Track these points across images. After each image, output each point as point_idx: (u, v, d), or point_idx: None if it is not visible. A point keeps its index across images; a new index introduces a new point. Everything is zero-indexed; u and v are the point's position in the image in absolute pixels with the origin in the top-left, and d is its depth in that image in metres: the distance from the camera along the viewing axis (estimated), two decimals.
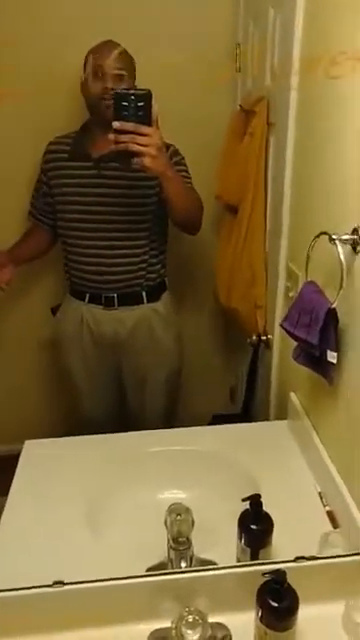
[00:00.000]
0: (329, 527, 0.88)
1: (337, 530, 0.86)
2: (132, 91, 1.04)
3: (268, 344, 1.28)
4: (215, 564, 0.81)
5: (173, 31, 1.47)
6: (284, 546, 0.81)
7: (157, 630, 0.73)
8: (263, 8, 1.19)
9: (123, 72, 1.25)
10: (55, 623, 0.75)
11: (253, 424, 1.29)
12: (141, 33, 1.41)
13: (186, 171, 1.37)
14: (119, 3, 1.45)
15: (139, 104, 1.02)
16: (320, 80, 0.90)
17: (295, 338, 0.89)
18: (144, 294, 1.42)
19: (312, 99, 0.96)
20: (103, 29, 1.32)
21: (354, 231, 0.78)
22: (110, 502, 0.97)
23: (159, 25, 1.46)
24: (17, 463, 1.04)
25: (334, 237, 0.78)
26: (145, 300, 1.42)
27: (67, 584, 0.73)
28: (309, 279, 0.90)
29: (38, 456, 1.06)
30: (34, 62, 1.45)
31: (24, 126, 1.53)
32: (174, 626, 0.66)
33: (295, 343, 0.93)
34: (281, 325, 0.92)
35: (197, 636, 0.65)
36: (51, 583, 0.73)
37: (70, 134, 1.38)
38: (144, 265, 1.39)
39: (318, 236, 0.84)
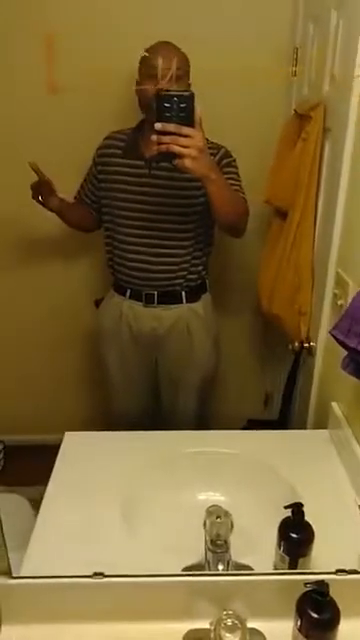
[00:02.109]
0: None
1: None
2: (175, 92, 1.05)
3: (311, 351, 1.27)
4: (252, 569, 0.81)
5: (230, 33, 1.47)
6: (323, 558, 0.80)
7: (192, 630, 0.73)
8: (325, 10, 1.18)
9: (178, 73, 1.25)
10: (91, 614, 0.75)
11: (293, 431, 1.28)
12: (198, 34, 1.42)
13: (236, 173, 1.36)
14: (178, 3, 1.46)
15: (181, 105, 1.03)
16: None
17: (345, 347, 0.88)
18: (184, 294, 1.42)
19: None
20: (160, 29, 1.33)
21: None
22: (147, 499, 0.97)
23: (216, 26, 1.47)
24: (54, 453, 1.06)
25: None
26: (184, 300, 1.43)
27: (107, 576, 0.74)
28: None
29: (78, 448, 1.08)
30: (91, 57, 1.47)
31: (76, 121, 1.56)
32: (213, 628, 0.66)
33: (344, 352, 0.91)
34: (331, 333, 0.90)
35: None
36: (91, 574, 0.74)
37: (125, 130, 1.40)
38: (186, 265, 1.40)
39: None
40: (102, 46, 1.47)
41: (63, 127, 1.58)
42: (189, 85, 1.29)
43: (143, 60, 1.28)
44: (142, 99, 1.29)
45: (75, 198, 1.53)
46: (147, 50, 1.28)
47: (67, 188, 1.62)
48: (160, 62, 1.24)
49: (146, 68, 1.26)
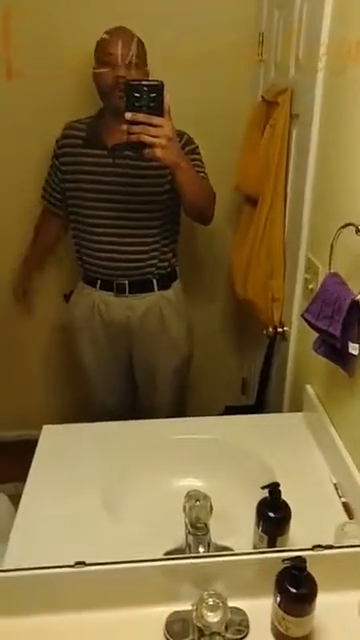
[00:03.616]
0: (345, 518, 0.89)
1: (353, 521, 0.87)
2: (144, 82, 1.04)
3: (284, 336, 1.29)
4: (232, 550, 0.82)
5: (195, 20, 1.45)
6: (300, 535, 0.82)
7: (175, 612, 0.74)
8: None
9: (136, 60, 1.23)
10: (75, 603, 0.76)
11: (269, 415, 1.30)
12: (161, 21, 1.41)
13: (200, 160, 1.36)
14: None
15: (151, 95, 1.03)
16: (348, 70, 0.90)
17: (317, 329, 0.90)
18: (155, 282, 1.43)
19: (338, 89, 0.96)
20: (121, 14, 1.31)
21: None
22: (127, 488, 0.98)
23: (180, 13, 1.45)
24: (32, 448, 1.05)
25: None
26: (156, 288, 1.43)
27: (89, 565, 0.74)
28: (332, 270, 0.90)
29: (56, 441, 1.07)
30: (47, 41, 1.44)
31: (32, 109, 1.53)
32: (195, 608, 0.67)
33: (315, 335, 0.93)
34: (303, 316, 0.92)
35: (217, 618, 0.66)
36: (72, 563, 0.74)
37: (84, 120, 1.38)
38: (156, 253, 1.40)
39: (344, 227, 0.83)
40: (59, 30, 1.43)
41: (18, 115, 1.54)
42: (147, 72, 1.27)
43: (100, 46, 1.26)
44: (100, 86, 1.27)
45: (42, 197, 1.51)
46: (103, 37, 1.25)
47: (24, 177, 1.59)
48: (118, 48, 1.22)
49: (103, 54, 1.24)
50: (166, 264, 1.43)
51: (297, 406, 1.18)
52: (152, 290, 1.43)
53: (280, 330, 1.30)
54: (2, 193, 1.63)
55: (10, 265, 1.68)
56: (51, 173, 1.46)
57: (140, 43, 1.25)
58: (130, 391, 1.58)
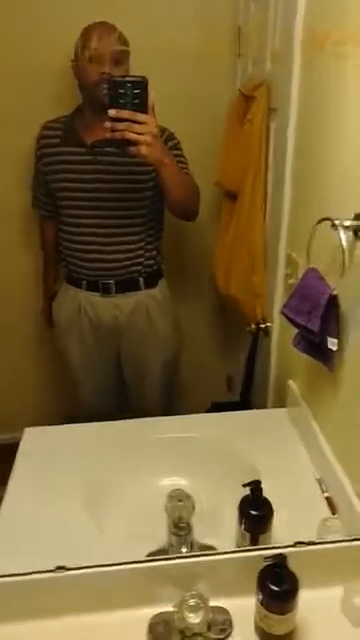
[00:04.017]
0: (328, 513, 0.89)
1: (336, 516, 0.87)
2: (128, 78, 1.03)
3: (267, 332, 1.28)
4: (215, 550, 0.82)
5: (172, 14, 1.44)
6: (283, 532, 0.82)
7: (158, 614, 0.74)
8: None
9: (120, 56, 1.22)
10: (57, 608, 0.75)
11: (252, 411, 1.29)
12: (139, 15, 1.39)
13: (182, 156, 1.35)
14: None
15: (135, 91, 1.01)
16: (322, 63, 0.89)
17: (296, 325, 0.89)
18: (141, 280, 1.41)
19: (314, 83, 0.95)
20: (98, 9, 1.29)
21: (356, 217, 0.77)
22: (110, 489, 0.97)
23: (158, 8, 1.44)
24: (12, 453, 1.04)
25: (336, 223, 0.77)
26: (142, 286, 1.42)
27: (69, 569, 0.73)
28: (311, 265, 0.89)
29: (38, 444, 1.06)
30: (21, 41, 1.42)
31: (8, 108, 1.51)
32: (176, 610, 0.67)
33: (295, 330, 0.93)
34: (282, 312, 0.92)
35: (199, 619, 0.66)
36: (53, 568, 0.73)
37: (61, 118, 1.36)
38: (141, 252, 1.39)
39: (320, 222, 0.83)
40: (32, 28, 1.41)
41: None
42: (128, 68, 1.26)
43: (83, 41, 1.23)
44: (84, 82, 1.25)
45: (33, 204, 1.50)
46: (85, 32, 1.23)
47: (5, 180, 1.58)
48: (104, 44, 1.20)
49: (87, 49, 1.22)
50: (152, 262, 1.42)
51: (281, 402, 1.18)
52: (139, 289, 1.42)
53: (262, 326, 1.29)
54: None
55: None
56: (35, 176, 1.45)
57: (123, 38, 1.24)
58: (119, 390, 1.57)
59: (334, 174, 0.88)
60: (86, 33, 1.23)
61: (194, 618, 0.66)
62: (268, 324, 1.28)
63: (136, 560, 0.76)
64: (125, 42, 1.25)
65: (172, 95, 1.44)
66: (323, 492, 0.92)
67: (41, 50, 1.41)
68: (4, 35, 1.41)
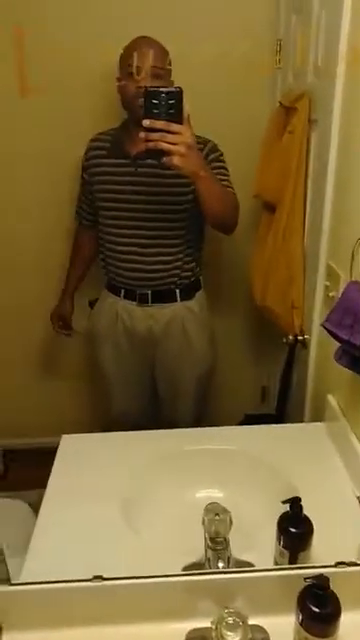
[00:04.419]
0: None
1: None
2: (163, 89, 1.03)
3: (305, 344, 1.26)
4: (252, 566, 0.81)
5: (213, 27, 1.46)
6: (322, 551, 0.80)
7: (195, 630, 0.73)
8: (307, 2, 1.17)
9: (160, 71, 1.23)
10: (93, 617, 0.75)
11: (289, 425, 1.28)
12: (180, 29, 1.41)
13: (224, 168, 1.35)
14: None
15: (170, 102, 1.01)
16: None
17: (337, 339, 0.88)
18: (178, 292, 1.42)
19: (358, 94, 0.94)
20: (141, 24, 1.31)
21: None
22: (146, 499, 0.97)
23: (198, 21, 1.46)
24: (52, 457, 1.05)
25: None
26: (179, 298, 1.42)
27: (106, 579, 0.74)
28: (353, 279, 0.88)
29: (75, 450, 1.07)
30: (67, 55, 1.45)
31: (59, 123, 1.56)
32: (214, 627, 0.66)
33: (336, 344, 0.91)
34: (323, 325, 0.90)
35: (237, 638, 0.65)
36: (90, 577, 0.74)
37: (109, 131, 1.39)
38: (179, 263, 1.39)
39: None
40: (79, 43, 1.44)
41: (40, 130, 1.57)
42: (171, 82, 1.27)
43: (124, 57, 1.26)
44: (124, 97, 1.28)
45: (76, 213, 1.54)
46: (127, 47, 1.26)
47: (52, 189, 1.62)
48: (141, 59, 1.21)
49: (127, 65, 1.24)
50: (189, 274, 1.42)
51: (318, 416, 1.16)
52: (175, 300, 1.42)
53: (300, 338, 1.28)
54: (33, 212, 1.67)
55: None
56: (81, 190, 1.48)
57: (165, 53, 1.25)
58: (151, 400, 1.58)
59: None
60: (127, 49, 1.26)
61: (233, 637, 0.65)
62: (306, 336, 1.26)
63: (173, 574, 0.76)
64: (165, 56, 1.26)
65: (212, 107, 1.46)
66: None
67: (89, 65, 1.45)
68: (57, 50, 1.45)
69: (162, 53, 1.25)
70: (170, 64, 1.27)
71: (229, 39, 1.45)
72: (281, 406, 1.42)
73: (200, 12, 1.46)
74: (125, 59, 1.25)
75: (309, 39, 1.17)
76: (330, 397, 1.10)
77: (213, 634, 0.65)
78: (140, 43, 1.25)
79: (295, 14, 1.30)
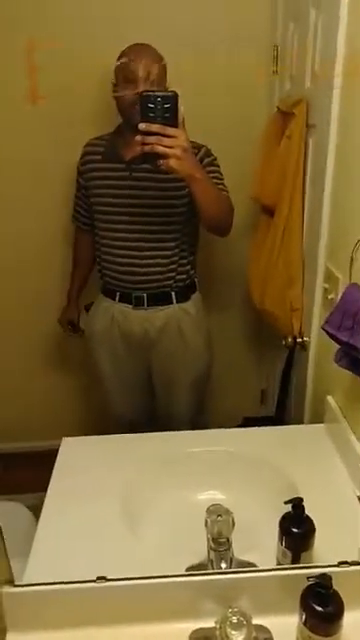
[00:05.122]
0: None
1: None
2: (158, 93, 1.05)
3: (304, 346, 1.27)
4: (255, 566, 0.81)
5: (211, 33, 1.47)
6: (324, 550, 0.80)
7: (198, 629, 0.73)
8: (304, 9, 1.19)
9: (155, 77, 1.24)
10: (96, 618, 0.76)
11: (289, 427, 1.28)
12: (178, 35, 1.42)
13: (218, 172, 1.36)
14: (155, 4, 1.46)
15: (165, 106, 1.03)
16: None
17: (337, 341, 0.89)
18: (173, 294, 1.42)
19: (355, 99, 0.95)
20: (137, 30, 1.33)
21: None
22: (147, 501, 0.97)
23: (196, 27, 1.47)
24: (52, 459, 1.05)
25: None
26: (174, 300, 1.43)
27: (110, 580, 0.74)
28: (352, 281, 0.89)
29: (75, 453, 1.08)
30: (65, 64, 1.46)
31: (55, 128, 1.56)
32: (219, 626, 0.66)
33: (336, 346, 0.92)
34: (323, 328, 0.91)
35: (242, 637, 0.65)
36: (94, 578, 0.74)
37: (104, 136, 1.40)
38: (174, 266, 1.40)
39: None
40: (79, 51, 1.45)
41: (37, 134, 1.58)
42: (166, 86, 1.28)
43: (119, 64, 1.26)
44: (120, 103, 1.28)
45: (73, 217, 1.54)
46: (123, 52, 1.27)
47: (52, 191, 1.63)
48: (137, 66, 1.22)
49: (123, 72, 1.25)
50: (184, 276, 1.43)
51: (318, 417, 1.17)
52: (170, 303, 1.43)
53: (300, 340, 1.28)
54: (31, 217, 1.68)
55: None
56: (77, 194, 1.49)
57: (160, 60, 1.25)
58: (148, 403, 1.58)
59: None
60: (122, 55, 1.26)
61: (237, 636, 0.65)
62: (305, 338, 1.27)
63: (177, 574, 0.76)
64: (160, 62, 1.25)
65: (209, 110, 1.48)
66: None
67: (84, 72, 1.46)
68: (54, 55, 1.46)
69: (156, 59, 1.25)
70: (165, 68, 1.28)
71: (227, 45, 1.47)
72: (280, 408, 1.43)
73: (198, 19, 1.47)
74: (120, 66, 1.26)
75: (306, 46, 1.18)
76: (330, 398, 1.11)
77: (217, 633, 0.66)
78: (135, 50, 1.25)
79: (292, 21, 1.32)
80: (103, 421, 1.63)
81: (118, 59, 1.27)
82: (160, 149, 1.05)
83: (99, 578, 0.74)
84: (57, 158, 1.57)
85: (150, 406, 1.58)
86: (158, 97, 1.03)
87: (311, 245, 1.21)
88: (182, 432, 1.18)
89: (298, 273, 1.28)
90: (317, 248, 1.15)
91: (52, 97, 1.51)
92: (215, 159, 1.36)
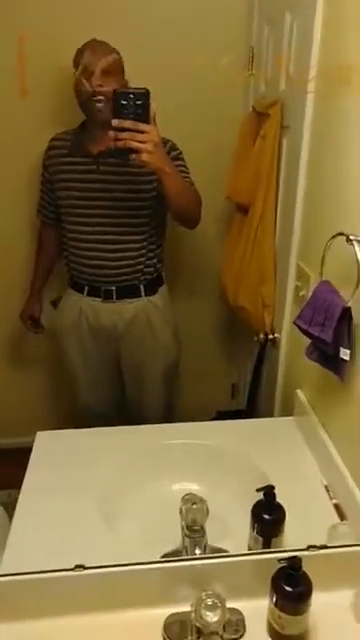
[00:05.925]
0: (336, 519, 0.91)
1: (345, 522, 0.89)
2: (131, 90, 1.08)
3: (275, 342, 1.31)
4: (228, 553, 0.84)
5: (186, 33, 1.49)
6: (294, 537, 0.84)
7: (174, 614, 0.76)
8: (279, 12, 1.22)
9: (110, 67, 1.25)
10: (74, 606, 0.77)
11: (260, 420, 1.32)
12: (153, 35, 1.44)
13: (184, 166, 1.38)
14: (131, 4, 1.47)
15: (137, 102, 1.06)
16: (338, 85, 0.93)
17: (309, 336, 0.92)
18: (142, 287, 1.44)
19: (328, 103, 0.99)
20: (109, 28, 1.32)
21: None
22: (122, 492, 0.99)
23: (171, 26, 1.48)
24: (24, 455, 1.05)
25: (352, 238, 0.81)
26: (143, 293, 1.45)
27: (88, 568, 0.75)
28: (324, 278, 0.93)
29: (50, 447, 1.08)
30: (33, 59, 1.45)
31: (22, 124, 1.55)
32: (194, 608, 0.69)
33: (307, 341, 0.96)
34: (295, 323, 0.95)
35: (216, 618, 0.68)
36: (72, 567, 0.75)
37: (70, 131, 1.40)
38: (142, 259, 1.41)
39: (335, 237, 0.86)
40: (45, 46, 1.44)
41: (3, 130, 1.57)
42: (125, 82, 1.29)
43: (76, 58, 1.28)
44: (78, 98, 1.29)
45: (38, 212, 1.54)
46: (79, 50, 1.27)
47: (16, 196, 1.61)
48: (90, 61, 1.24)
49: (78, 65, 1.26)
50: (152, 269, 1.45)
51: (288, 410, 1.20)
52: (139, 295, 1.44)
53: (271, 337, 1.32)
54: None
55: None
56: (42, 187, 1.49)
57: (114, 53, 1.27)
58: (119, 396, 1.59)
59: (347, 189, 0.92)
60: (78, 51, 1.28)
61: (212, 617, 0.68)
62: (276, 335, 1.30)
63: (152, 560, 0.78)
64: (115, 56, 1.27)
65: (185, 111, 1.50)
66: (331, 499, 0.94)
67: (54, 67, 1.45)
68: (37, 56, 1.45)
69: (113, 53, 1.26)
70: (121, 62, 1.28)
71: (203, 45, 1.48)
72: (252, 402, 1.46)
73: (174, 20, 1.48)
74: (76, 60, 1.27)
75: (281, 49, 1.21)
76: (299, 392, 1.15)
77: (192, 615, 0.68)
78: (90, 44, 1.26)
79: (267, 24, 1.35)
80: (75, 416, 1.63)
81: (75, 55, 1.28)
82: (133, 144, 1.08)
83: (77, 566, 0.75)
84: (20, 152, 1.55)
85: (119, 398, 1.60)
86: (130, 94, 1.06)
87: (284, 243, 1.24)
88: (157, 425, 1.20)
89: (270, 271, 1.32)
90: (289, 246, 1.19)
91: (14, 93, 1.50)
92: (180, 153, 1.38)
